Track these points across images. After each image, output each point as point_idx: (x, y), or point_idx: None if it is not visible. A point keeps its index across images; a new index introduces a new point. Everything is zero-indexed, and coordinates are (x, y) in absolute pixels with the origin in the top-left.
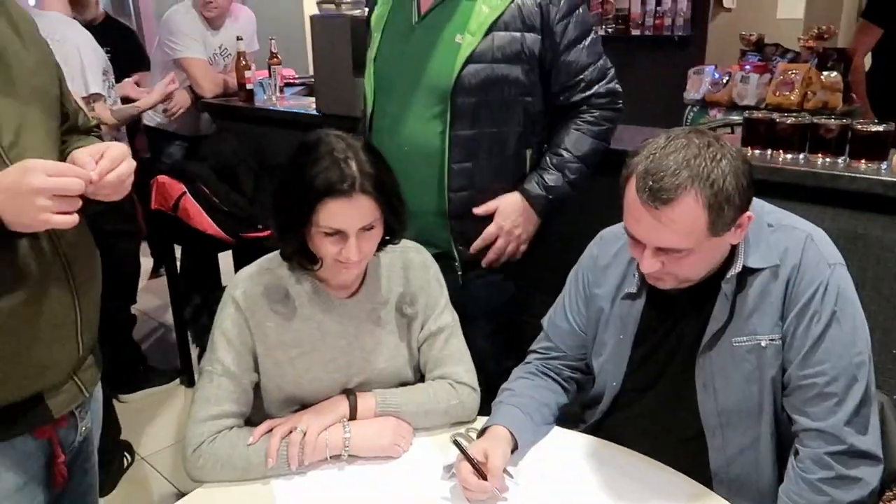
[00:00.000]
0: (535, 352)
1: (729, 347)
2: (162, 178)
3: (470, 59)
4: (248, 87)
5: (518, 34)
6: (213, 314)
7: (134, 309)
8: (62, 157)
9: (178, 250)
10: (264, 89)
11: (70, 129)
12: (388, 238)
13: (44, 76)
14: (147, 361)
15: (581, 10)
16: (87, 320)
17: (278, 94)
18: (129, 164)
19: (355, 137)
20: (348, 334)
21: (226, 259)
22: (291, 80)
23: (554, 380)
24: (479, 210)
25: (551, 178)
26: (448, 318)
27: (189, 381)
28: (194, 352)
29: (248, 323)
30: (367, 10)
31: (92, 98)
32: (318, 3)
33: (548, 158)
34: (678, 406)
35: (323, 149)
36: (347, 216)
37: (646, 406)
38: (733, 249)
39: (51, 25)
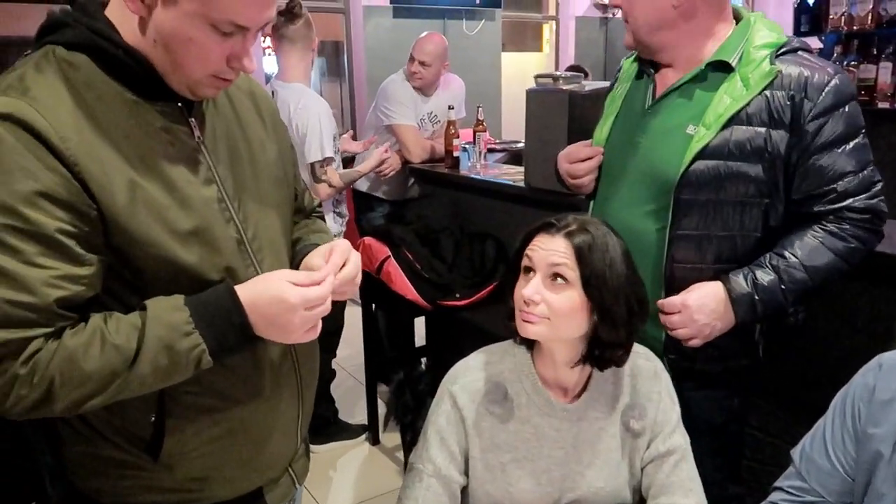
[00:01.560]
0: (782, 490)
1: None
2: (368, 240)
3: (701, 154)
4: (455, 154)
5: (762, 129)
6: (415, 392)
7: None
8: (294, 249)
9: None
10: (469, 155)
11: (297, 209)
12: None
13: (282, 165)
14: (338, 414)
15: (848, 108)
16: (307, 412)
17: (483, 160)
18: (359, 267)
19: (602, 221)
20: (566, 444)
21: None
22: (493, 146)
23: None
24: (666, 301)
25: (764, 277)
26: (679, 439)
27: (374, 440)
28: (381, 408)
29: (464, 422)
30: (583, 83)
31: (326, 162)
32: (535, 77)
33: (767, 256)
34: None
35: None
36: (539, 248)
37: None
38: None
39: (294, 95)
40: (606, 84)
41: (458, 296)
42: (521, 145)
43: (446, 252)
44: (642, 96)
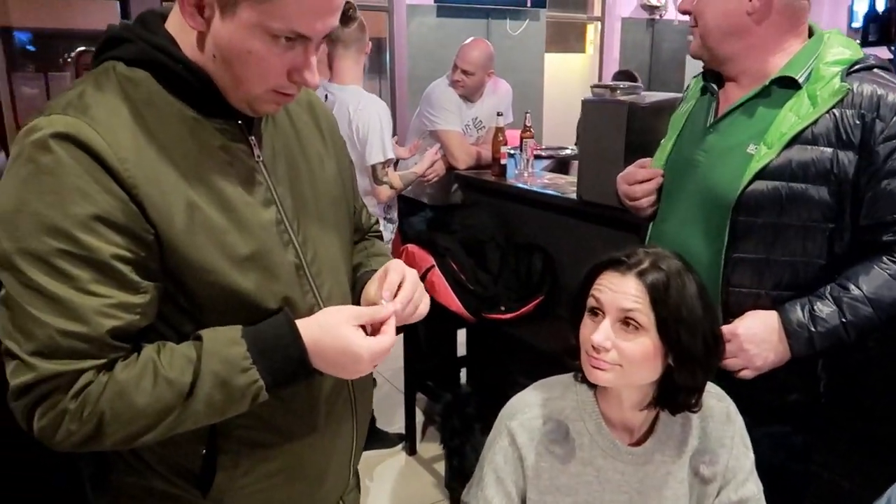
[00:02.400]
0: None
1: None
2: (412, 247)
3: (761, 174)
4: (502, 162)
5: (829, 150)
6: (462, 416)
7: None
8: (354, 275)
9: None
10: (516, 162)
11: (355, 228)
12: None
13: (342, 182)
14: (375, 422)
15: None
16: (360, 444)
17: (530, 169)
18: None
19: (675, 253)
20: (630, 489)
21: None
22: (538, 152)
23: None
24: (725, 328)
25: (824, 309)
26: (752, 488)
27: (411, 450)
28: (419, 417)
29: (523, 462)
30: (643, 94)
31: (387, 163)
32: (591, 87)
33: (829, 288)
34: None
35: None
36: (609, 289)
37: None
38: None
39: (353, 97)
40: (667, 96)
41: (503, 309)
42: (567, 152)
43: (492, 263)
44: (705, 114)
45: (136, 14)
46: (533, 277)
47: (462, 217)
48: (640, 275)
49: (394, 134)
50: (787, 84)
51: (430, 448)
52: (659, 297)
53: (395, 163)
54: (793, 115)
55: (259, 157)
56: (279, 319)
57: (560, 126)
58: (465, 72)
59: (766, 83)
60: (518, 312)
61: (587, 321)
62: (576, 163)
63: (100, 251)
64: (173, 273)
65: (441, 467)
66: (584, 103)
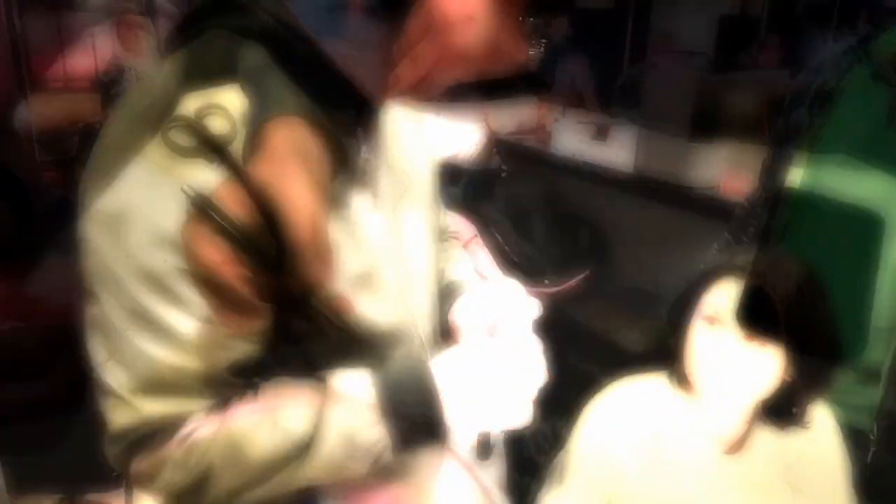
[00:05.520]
0: None
1: None
2: (452, 215)
3: None
4: (548, 128)
5: None
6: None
7: None
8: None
9: None
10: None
11: None
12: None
13: (431, 175)
14: None
15: None
16: None
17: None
18: None
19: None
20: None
21: None
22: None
23: None
24: None
25: None
26: None
27: None
28: None
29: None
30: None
31: None
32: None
33: None
34: None
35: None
36: (732, 299)
37: None
38: None
39: None
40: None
41: (546, 282)
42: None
43: (537, 235)
44: (871, 114)
45: None
46: (580, 252)
47: (505, 184)
48: (768, 285)
49: None
50: None
51: None
52: (790, 309)
53: None
54: None
55: (366, 153)
56: (414, 365)
57: None
58: None
59: None
60: (563, 287)
61: (702, 329)
62: (615, 128)
63: (219, 269)
64: (288, 293)
65: None
66: (649, 67)
